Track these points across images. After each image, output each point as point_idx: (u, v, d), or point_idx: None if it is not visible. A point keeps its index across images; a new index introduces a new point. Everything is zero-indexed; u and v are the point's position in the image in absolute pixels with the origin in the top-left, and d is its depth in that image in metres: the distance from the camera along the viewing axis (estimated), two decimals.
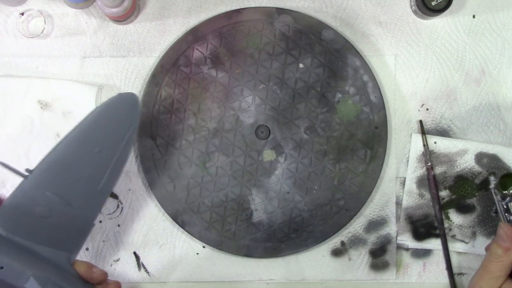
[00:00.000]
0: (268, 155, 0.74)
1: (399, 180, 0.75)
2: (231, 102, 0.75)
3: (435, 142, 0.74)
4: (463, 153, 0.74)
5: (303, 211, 0.74)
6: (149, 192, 0.75)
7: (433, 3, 0.72)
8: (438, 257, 0.74)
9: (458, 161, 0.74)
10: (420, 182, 0.74)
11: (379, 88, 0.74)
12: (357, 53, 0.74)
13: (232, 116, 0.75)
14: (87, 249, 0.75)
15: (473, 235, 0.74)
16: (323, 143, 0.74)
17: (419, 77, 0.76)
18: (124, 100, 0.66)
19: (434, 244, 0.74)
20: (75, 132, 0.63)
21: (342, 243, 0.75)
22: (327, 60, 0.74)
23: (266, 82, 0.74)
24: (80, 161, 0.63)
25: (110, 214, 0.75)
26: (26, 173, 0.62)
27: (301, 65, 0.75)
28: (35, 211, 0.61)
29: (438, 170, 0.74)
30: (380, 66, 0.76)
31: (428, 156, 0.73)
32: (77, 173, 0.63)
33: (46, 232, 0.62)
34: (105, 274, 0.64)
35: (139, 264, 0.75)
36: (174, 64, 0.75)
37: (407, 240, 0.74)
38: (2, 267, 0.57)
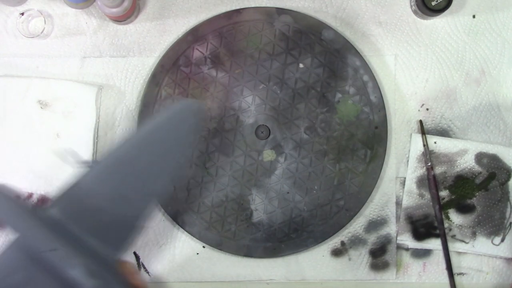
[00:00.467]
0: (268, 155, 0.74)
1: (399, 180, 0.75)
2: (231, 102, 0.75)
3: (435, 142, 0.74)
4: (463, 153, 0.74)
5: (303, 211, 0.74)
6: None
7: (433, 3, 0.72)
8: (438, 257, 0.74)
9: (458, 161, 0.74)
10: (420, 182, 0.74)
11: (379, 88, 0.74)
12: (357, 53, 0.74)
13: (232, 116, 0.75)
14: None
15: (473, 235, 0.74)
16: (323, 143, 0.74)
17: (419, 77, 0.76)
18: (190, 108, 0.66)
19: (434, 244, 0.74)
20: (143, 132, 0.64)
21: (342, 243, 0.75)
22: (327, 60, 0.74)
23: (266, 82, 0.74)
24: (144, 161, 0.63)
25: None
26: (91, 164, 0.62)
27: (301, 65, 0.75)
28: (93, 203, 0.62)
29: (438, 170, 0.74)
30: (380, 66, 0.76)
31: (428, 156, 0.73)
32: (139, 172, 0.63)
33: (99, 225, 0.62)
34: (142, 283, 0.63)
35: (139, 264, 0.75)
36: (174, 64, 0.75)
37: (407, 240, 0.74)
38: (55, 249, 0.57)
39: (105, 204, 0.62)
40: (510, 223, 0.74)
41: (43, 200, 0.75)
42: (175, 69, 0.75)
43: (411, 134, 0.75)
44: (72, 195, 0.62)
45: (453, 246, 0.74)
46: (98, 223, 0.62)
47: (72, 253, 0.58)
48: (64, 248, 0.58)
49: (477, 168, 0.74)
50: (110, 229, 0.63)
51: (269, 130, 0.74)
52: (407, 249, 0.75)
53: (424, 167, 0.74)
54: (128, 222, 0.64)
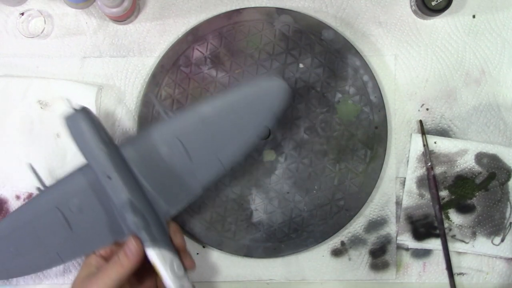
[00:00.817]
0: (268, 155, 0.74)
1: (399, 180, 0.75)
2: None
3: (435, 142, 0.74)
4: (463, 153, 0.74)
5: (303, 211, 0.74)
6: None
7: (433, 3, 0.72)
8: (438, 257, 0.74)
9: (458, 161, 0.74)
10: (420, 182, 0.74)
11: (379, 88, 0.74)
12: (357, 53, 0.74)
13: None
14: None
15: (473, 235, 0.74)
16: (323, 143, 0.74)
17: (419, 77, 0.76)
18: (275, 87, 0.66)
19: (434, 244, 0.74)
20: (228, 97, 0.65)
21: (342, 243, 0.75)
22: (327, 60, 0.74)
23: None
24: (216, 124, 0.65)
25: None
26: (170, 114, 0.65)
27: (301, 65, 0.75)
28: (160, 151, 0.65)
29: (438, 170, 0.74)
30: (380, 66, 0.76)
31: (428, 156, 0.73)
32: (207, 133, 0.65)
33: (158, 176, 0.65)
34: (183, 245, 0.66)
35: None
36: (174, 64, 0.75)
37: (407, 240, 0.74)
38: (110, 178, 0.63)
39: (171, 155, 0.65)
40: (510, 223, 0.74)
41: None
42: (175, 69, 0.75)
43: (411, 134, 0.75)
44: (143, 138, 0.66)
45: (453, 246, 0.74)
46: (159, 173, 0.65)
47: (124, 186, 0.63)
48: (118, 179, 0.63)
49: (477, 168, 0.74)
50: (168, 182, 0.65)
51: (269, 130, 0.74)
52: (407, 249, 0.75)
53: (424, 167, 0.74)
54: (186, 179, 0.66)
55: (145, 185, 0.64)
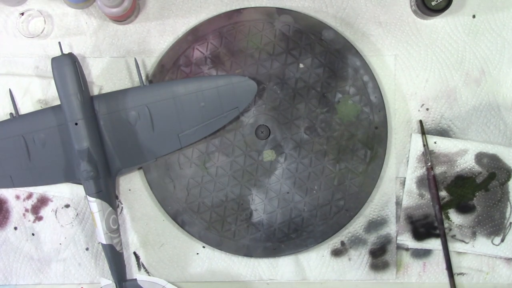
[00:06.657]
0: (268, 155, 0.74)
1: (399, 180, 0.75)
2: None
3: (435, 142, 0.74)
4: (463, 153, 0.74)
5: (303, 211, 0.74)
6: (149, 192, 0.75)
7: (433, 3, 0.72)
8: (438, 257, 0.74)
9: (458, 161, 0.74)
10: (420, 182, 0.74)
11: (379, 88, 0.74)
12: (357, 53, 0.74)
13: None
14: (87, 249, 0.75)
15: (473, 235, 0.74)
16: (323, 143, 0.74)
17: (419, 77, 0.76)
18: (245, 84, 0.71)
19: (434, 244, 0.74)
20: (199, 83, 0.71)
21: (342, 243, 0.75)
22: (327, 60, 0.75)
23: (266, 82, 0.74)
24: (185, 105, 0.71)
25: None
26: (146, 84, 0.72)
27: (301, 65, 0.75)
28: (128, 113, 0.71)
29: (438, 170, 0.74)
30: (380, 66, 0.76)
31: (428, 156, 0.73)
32: (174, 111, 0.70)
33: (120, 135, 0.71)
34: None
35: (139, 264, 0.75)
36: (175, 64, 0.75)
37: (407, 240, 0.74)
38: (76, 123, 0.68)
39: (136, 120, 0.70)
40: (510, 223, 0.74)
41: (42, 200, 0.75)
42: (175, 69, 0.75)
43: (411, 134, 0.75)
44: (116, 98, 0.71)
45: (453, 246, 0.74)
46: (120, 133, 0.71)
47: (86, 135, 0.69)
48: (83, 127, 0.68)
49: (477, 168, 0.74)
50: (127, 144, 0.71)
51: (269, 130, 0.74)
52: (407, 249, 0.75)
53: (424, 167, 0.74)
54: (145, 146, 0.71)
55: (106, 139, 0.70)
